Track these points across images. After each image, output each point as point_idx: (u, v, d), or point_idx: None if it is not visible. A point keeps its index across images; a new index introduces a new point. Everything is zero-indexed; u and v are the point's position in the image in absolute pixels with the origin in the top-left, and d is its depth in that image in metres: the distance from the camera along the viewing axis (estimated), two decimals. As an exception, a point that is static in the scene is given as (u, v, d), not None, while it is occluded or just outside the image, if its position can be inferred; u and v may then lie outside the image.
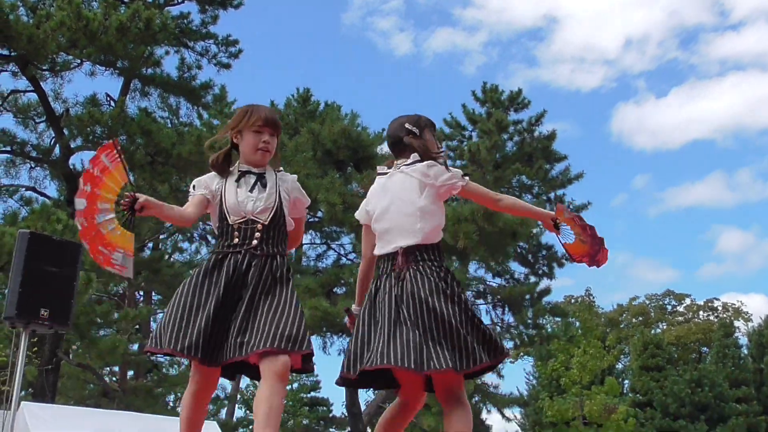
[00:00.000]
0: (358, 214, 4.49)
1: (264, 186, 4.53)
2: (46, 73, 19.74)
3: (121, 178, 4.09)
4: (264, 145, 4.53)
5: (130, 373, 28.68)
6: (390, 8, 70.69)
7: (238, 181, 4.54)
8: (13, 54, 18.33)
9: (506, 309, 26.73)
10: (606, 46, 76.45)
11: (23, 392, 17.02)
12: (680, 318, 54.22)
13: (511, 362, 35.92)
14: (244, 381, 35.75)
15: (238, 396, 34.73)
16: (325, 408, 42.44)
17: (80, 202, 3.93)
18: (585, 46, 76.30)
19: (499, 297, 26.65)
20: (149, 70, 20.65)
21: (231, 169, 4.64)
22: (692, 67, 74.61)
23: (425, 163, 4.05)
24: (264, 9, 64.45)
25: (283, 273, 4.37)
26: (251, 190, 4.51)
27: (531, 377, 40.86)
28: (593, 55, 76.88)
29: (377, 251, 4.20)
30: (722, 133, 77.77)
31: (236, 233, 4.42)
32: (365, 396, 34.03)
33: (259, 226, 4.42)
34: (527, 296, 26.58)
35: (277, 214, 4.47)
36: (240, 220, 4.43)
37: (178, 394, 33.26)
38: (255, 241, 4.40)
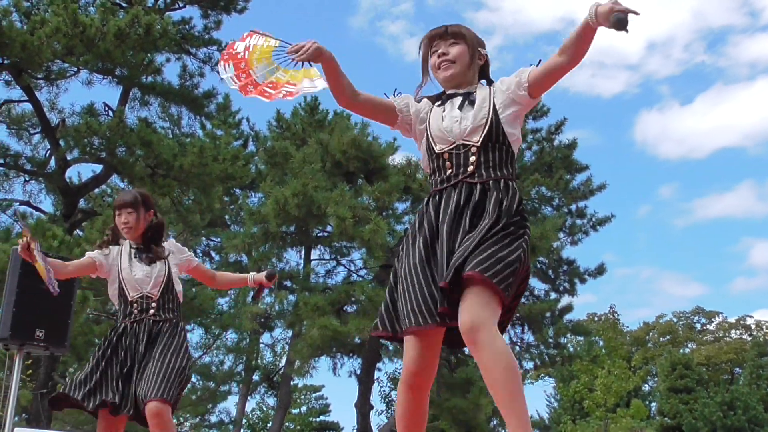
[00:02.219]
0: None
1: (149, 264, 5.50)
2: (41, 81, 19.81)
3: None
4: (123, 225, 5.48)
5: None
6: (399, 12, 70.92)
7: (130, 256, 5.56)
8: (5, 62, 18.39)
9: (526, 327, 26.67)
10: (627, 50, 76.41)
11: (17, 418, 17.03)
12: (710, 336, 54.00)
13: (531, 383, 35.81)
14: (250, 404, 35.78)
15: (243, 420, 34.69)
16: (335, 432, 42.40)
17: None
18: (605, 50, 76.25)
19: (518, 315, 26.60)
20: (149, 78, 20.70)
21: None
22: (720, 70, 74.55)
23: None
24: (269, 13, 64.59)
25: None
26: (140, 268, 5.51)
27: (552, 399, 40.76)
28: (614, 59, 76.89)
29: None
30: (753, 140, 77.49)
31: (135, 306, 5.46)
32: (377, 420, 34.03)
33: (153, 300, 5.45)
34: (548, 314, 26.51)
35: (167, 284, 5.48)
36: (137, 295, 5.45)
37: (181, 419, 33.29)
38: (135, 310, 5.46)
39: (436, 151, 3.66)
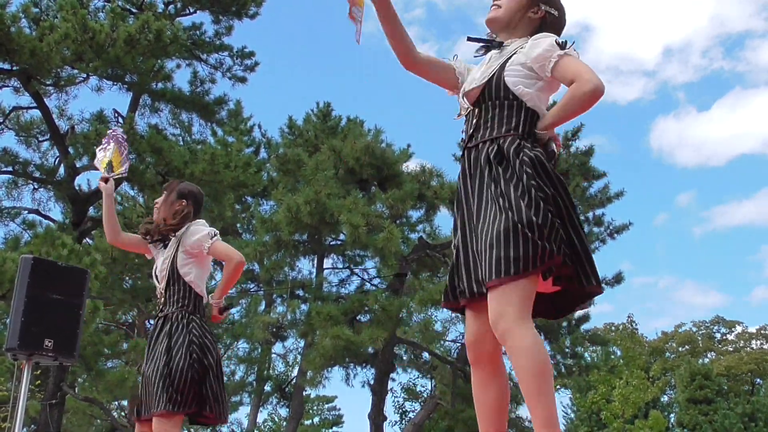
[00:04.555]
0: None
1: (165, 247, 5.38)
2: (50, 88, 19.87)
3: None
4: (154, 205, 5.47)
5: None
6: (412, 17, 70.97)
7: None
8: (14, 68, 18.45)
9: (542, 337, 26.59)
10: (644, 56, 76.31)
11: (25, 429, 17.07)
12: (730, 347, 53.82)
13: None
14: (262, 415, 35.78)
15: (255, 431, 34.68)
16: (348, 444, 42.39)
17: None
18: (621, 56, 76.24)
19: (534, 324, 26.54)
20: (159, 85, 20.74)
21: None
22: (738, 75, 74.45)
23: None
24: (281, 19, 64.88)
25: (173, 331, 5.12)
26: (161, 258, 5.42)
27: (569, 410, 40.63)
28: (630, 65, 76.83)
29: None
30: (773, 147, 77.15)
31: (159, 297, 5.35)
32: (391, 431, 33.99)
33: (160, 291, 5.32)
34: (564, 323, 26.44)
35: (171, 273, 5.25)
36: (161, 287, 5.33)
37: (192, 430, 33.30)
38: (159, 305, 5.32)
39: (462, 116, 3.63)
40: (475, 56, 3.72)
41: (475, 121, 3.50)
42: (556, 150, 3.48)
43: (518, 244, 3.11)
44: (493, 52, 3.58)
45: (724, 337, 55.19)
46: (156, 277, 5.34)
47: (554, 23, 3.65)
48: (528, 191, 3.22)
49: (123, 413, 29.48)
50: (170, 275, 5.21)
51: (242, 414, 33.40)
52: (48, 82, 19.50)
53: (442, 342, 26.74)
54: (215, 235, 5.21)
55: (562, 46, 3.43)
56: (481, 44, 3.68)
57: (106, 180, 5.75)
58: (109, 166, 5.82)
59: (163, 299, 5.24)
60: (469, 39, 3.72)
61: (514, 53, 3.50)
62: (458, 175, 3.53)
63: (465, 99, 3.59)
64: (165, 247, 5.35)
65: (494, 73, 3.47)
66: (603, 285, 3.28)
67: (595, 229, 28.96)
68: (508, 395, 3.54)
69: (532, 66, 3.44)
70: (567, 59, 3.42)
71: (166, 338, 5.03)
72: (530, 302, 3.18)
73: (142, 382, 5.14)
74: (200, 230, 5.23)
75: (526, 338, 3.08)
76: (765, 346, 51.91)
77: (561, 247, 3.17)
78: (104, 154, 5.96)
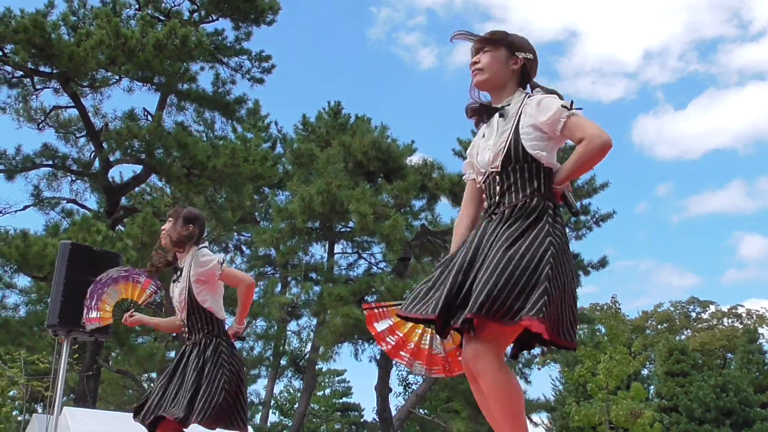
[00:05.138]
0: None
1: (179, 279, 5.24)
2: (86, 89, 19.90)
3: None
4: (162, 231, 5.31)
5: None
6: (414, 24, 70.62)
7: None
8: (55, 71, 18.50)
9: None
10: (625, 59, 76.14)
11: (65, 397, 17.14)
12: (705, 324, 53.70)
13: (538, 368, 35.64)
14: (278, 387, 35.83)
15: (272, 401, 34.75)
16: (356, 413, 42.42)
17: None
18: (605, 59, 76.02)
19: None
20: (185, 86, 20.75)
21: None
22: (711, 77, 74.11)
23: None
24: (293, 25, 64.66)
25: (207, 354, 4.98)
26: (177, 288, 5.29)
27: (558, 383, 40.58)
28: (613, 67, 76.56)
29: None
30: (742, 142, 76.97)
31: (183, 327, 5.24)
32: (396, 401, 34.01)
33: (182, 319, 5.20)
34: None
35: (190, 303, 5.12)
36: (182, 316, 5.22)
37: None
38: (185, 333, 5.19)
39: (480, 185, 3.53)
40: (475, 129, 3.70)
41: (498, 187, 3.39)
42: (572, 200, 3.42)
43: (512, 292, 3.03)
44: (497, 118, 3.49)
45: (699, 316, 55.05)
46: (176, 307, 5.24)
47: (532, 66, 3.59)
48: (544, 246, 3.12)
49: (152, 384, 29.56)
50: (189, 305, 5.09)
51: (260, 386, 33.49)
52: (84, 84, 19.53)
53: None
54: (224, 261, 5.10)
55: (569, 107, 3.36)
56: (478, 114, 3.62)
57: (130, 315, 5.65)
58: (127, 303, 5.68)
59: (187, 328, 5.14)
60: (469, 110, 3.65)
61: (521, 114, 3.42)
62: (478, 231, 3.38)
63: (476, 161, 3.53)
64: (177, 280, 5.25)
65: (510, 139, 3.38)
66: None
67: (582, 218, 28.95)
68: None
69: (542, 128, 3.35)
70: (574, 119, 3.33)
71: (197, 361, 4.91)
72: (506, 344, 3.18)
73: (159, 394, 5.00)
74: (210, 260, 5.07)
75: (500, 373, 3.07)
76: (736, 324, 51.79)
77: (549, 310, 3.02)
78: (96, 302, 5.79)
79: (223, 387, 4.80)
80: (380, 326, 3.95)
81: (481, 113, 3.60)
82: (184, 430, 4.89)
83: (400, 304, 3.59)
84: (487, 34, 3.59)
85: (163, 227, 5.30)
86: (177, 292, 5.20)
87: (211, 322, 5.06)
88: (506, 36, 3.58)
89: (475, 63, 3.57)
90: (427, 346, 3.89)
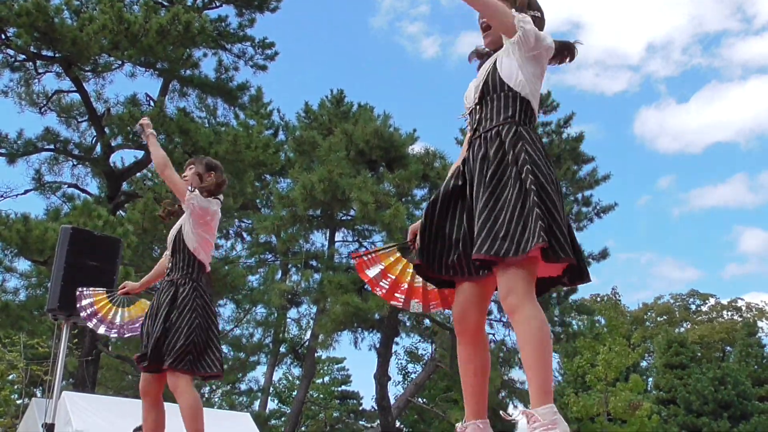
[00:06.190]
0: None
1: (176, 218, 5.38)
2: (89, 74, 19.88)
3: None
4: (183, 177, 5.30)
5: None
6: (417, 13, 70.56)
7: None
8: (57, 56, 18.47)
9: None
10: (629, 52, 76.10)
11: (64, 382, 17.18)
12: (704, 317, 53.75)
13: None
14: (277, 374, 35.88)
15: (271, 388, 34.80)
16: (355, 401, 42.42)
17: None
18: (608, 51, 75.97)
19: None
20: (188, 72, 20.73)
21: None
22: (714, 70, 74.10)
23: None
24: (297, 13, 64.50)
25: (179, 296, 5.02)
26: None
27: (557, 373, 40.65)
28: (616, 60, 76.52)
29: None
30: (745, 136, 77.08)
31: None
32: (394, 390, 34.04)
33: (168, 256, 5.27)
34: (553, 294, 26.43)
35: (177, 241, 5.18)
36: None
37: (213, 386, 33.42)
38: (167, 269, 5.27)
39: (466, 115, 3.63)
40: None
41: (477, 116, 3.49)
42: None
43: (517, 227, 3.09)
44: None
45: (699, 309, 55.10)
46: (167, 245, 5.31)
47: (540, 24, 3.63)
48: (525, 182, 3.17)
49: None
50: (176, 244, 5.15)
51: (259, 373, 33.48)
52: (87, 69, 19.51)
53: (442, 309, 26.69)
54: (194, 194, 5.13)
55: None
56: (478, 58, 3.77)
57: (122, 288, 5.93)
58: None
59: (170, 265, 5.19)
60: (473, 54, 3.80)
61: (500, 51, 3.51)
62: (463, 161, 3.49)
63: (467, 100, 3.61)
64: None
65: (489, 71, 3.49)
66: (588, 261, 3.23)
67: (584, 209, 28.94)
68: (489, 366, 3.53)
69: (512, 52, 3.44)
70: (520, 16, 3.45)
71: (170, 301, 4.97)
72: (534, 279, 3.17)
73: (142, 336, 5.10)
74: (195, 192, 5.17)
75: (531, 313, 3.06)
76: (735, 317, 51.85)
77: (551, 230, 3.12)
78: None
79: (193, 330, 4.88)
80: (371, 272, 3.95)
81: (480, 57, 3.74)
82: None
83: (388, 248, 3.94)
84: None
85: (184, 174, 5.31)
86: (172, 229, 5.27)
87: (192, 265, 5.11)
88: None
89: (483, 23, 3.64)
90: (420, 284, 3.88)
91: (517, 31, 3.40)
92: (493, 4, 3.41)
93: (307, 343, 30.36)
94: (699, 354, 42.50)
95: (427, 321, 26.97)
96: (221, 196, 5.34)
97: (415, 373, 35.48)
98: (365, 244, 27.16)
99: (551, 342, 3.10)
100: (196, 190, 5.15)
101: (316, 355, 30.15)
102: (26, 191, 21.09)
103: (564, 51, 3.66)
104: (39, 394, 21.24)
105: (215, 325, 5.09)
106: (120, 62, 19.76)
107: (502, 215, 3.13)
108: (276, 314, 29.83)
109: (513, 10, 3.46)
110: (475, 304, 3.41)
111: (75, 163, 21.56)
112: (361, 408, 41.48)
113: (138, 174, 22.84)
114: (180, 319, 4.90)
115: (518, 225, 3.09)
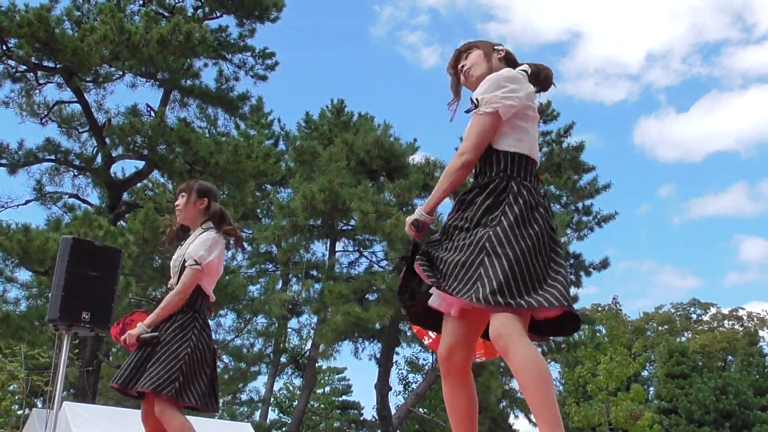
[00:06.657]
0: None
1: (182, 245, 5.21)
2: (90, 84, 19.89)
3: None
4: (175, 207, 5.22)
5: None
6: (417, 23, 70.79)
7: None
8: (58, 66, 18.48)
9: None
10: (628, 61, 76.26)
11: (65, 392, 17.15)
12: (705, 326, 53.75)
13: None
14: (278, 384, 35.85)
15: (272, 398, 34.76)
16: (356, 411, 42.39)
17: None
18: (608, 61, 76.13)
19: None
20: (188, 82, 20.74)
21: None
22: (714, 80, 74.26)
23: None
24: (297, 23, 64.72)
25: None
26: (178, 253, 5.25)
27: (558, 383, 40.61)
28: (616, 69, 76.67)
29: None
30: (745, 145, 77.23)
31: None
32: (395, 400, 33.99)
33: (172, 284, 5.09)
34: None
35: (181, 273, 5.03)
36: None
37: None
38: None
39: None
40: None
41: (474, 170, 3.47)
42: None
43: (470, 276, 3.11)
44: None
45: (700, 318, 55.12)
46: (171, 271, 5.18)
47: (511, 55, 3.67)
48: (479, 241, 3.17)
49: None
50: (180, 272, 5.01)
51: (260, 383, 33.46)
52: (88, 79, 19.52)
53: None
54: (198, 264, 4.94)
55: (476, 104, 3.40)
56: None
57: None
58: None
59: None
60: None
61: None
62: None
63: None
64: (182, 245, 5.21)
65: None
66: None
67: (584, 218, 28.97)
68: (476, 403, 3.49)
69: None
70: (474, 119, 3.41)
71: (168, 330, 4.85)
72: (527, 320, 3.12)
73: (132, 357, 4.93)
74: (203, 246, 5.01)
75: (524, 356, 2.97)
76: (736, 327, 51.84)
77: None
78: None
79: (182, 359, 4.76)
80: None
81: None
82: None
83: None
84: (464, 44, 3.72)
85: (176, 203, 5.23)
86: (175, 256, 5.17)
87: (193, 295, 4.98)
88: (478, 40, 3.72)
89: (464, 66, 3.66)
90: None
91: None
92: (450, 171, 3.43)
93: (307, 353, 30.36)
94: (700, 363, 42.52)
95: (427, 331, 26.89)
96: (224, 225, 5.20)
97: (416, 383, 35.41)
98: (366, 253, 27.19)
99: (551, 376, 3.01)
100: (196, 264, 4.95)
101: (316, 365, 30.13)
102: (27, 201, 21.08)
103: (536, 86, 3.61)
104: (40, 405, 21.24)
105: (211, 358, 4.98)
106: (121, 73, 19.78)
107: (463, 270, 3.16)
108: (277, 324, 29.81)
109: (476, 99, 3.40)
110: (462, 344, 3.39)
111: (76, 173, 21.56)
112: (361, 418, 41.44)
113: (139, 184, 22.87)
114: (170, 345, 4.81)
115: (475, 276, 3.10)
